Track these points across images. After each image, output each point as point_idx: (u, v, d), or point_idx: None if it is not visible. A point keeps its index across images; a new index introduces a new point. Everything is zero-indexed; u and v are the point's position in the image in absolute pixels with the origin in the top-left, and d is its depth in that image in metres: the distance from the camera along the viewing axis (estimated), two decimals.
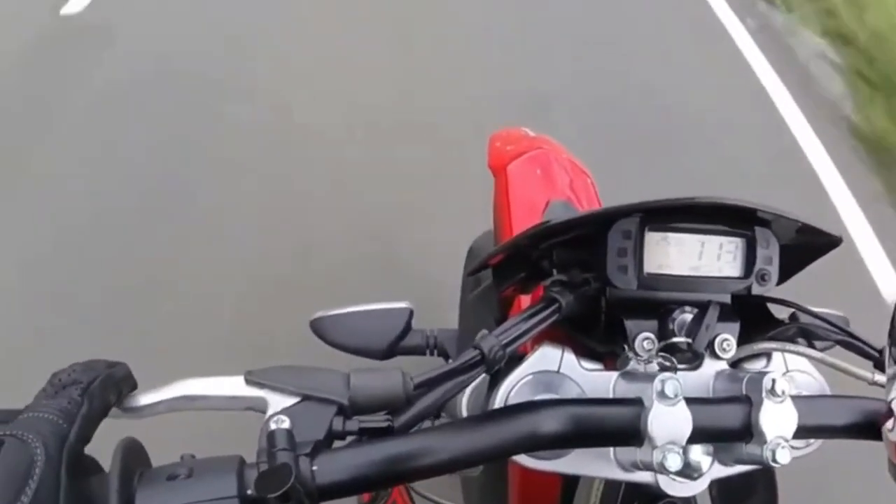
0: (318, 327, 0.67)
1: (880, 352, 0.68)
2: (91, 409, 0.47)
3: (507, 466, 0.88)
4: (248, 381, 0.53)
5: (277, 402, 0.53)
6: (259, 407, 0.53)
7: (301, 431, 0.50)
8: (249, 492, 0.46)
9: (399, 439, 0.52)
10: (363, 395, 0.54)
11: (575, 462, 0.61)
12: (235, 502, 0.45)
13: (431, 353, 0.72)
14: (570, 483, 0.74)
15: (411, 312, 0.68)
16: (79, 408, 0.46)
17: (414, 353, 0.70)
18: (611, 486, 0.67)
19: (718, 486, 0.66)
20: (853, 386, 0.64)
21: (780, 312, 0.71)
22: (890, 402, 0.56)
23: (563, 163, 1.39)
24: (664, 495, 0.62)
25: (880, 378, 0.64)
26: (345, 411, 0.53)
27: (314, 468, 0.48)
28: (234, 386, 0.54)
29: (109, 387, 0.50)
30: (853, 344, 0.68)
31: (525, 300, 0.88)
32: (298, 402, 0.53)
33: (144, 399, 0.53)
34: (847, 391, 0.63)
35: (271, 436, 0.49)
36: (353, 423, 0.53)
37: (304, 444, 0.49)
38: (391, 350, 0.67)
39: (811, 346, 0.70)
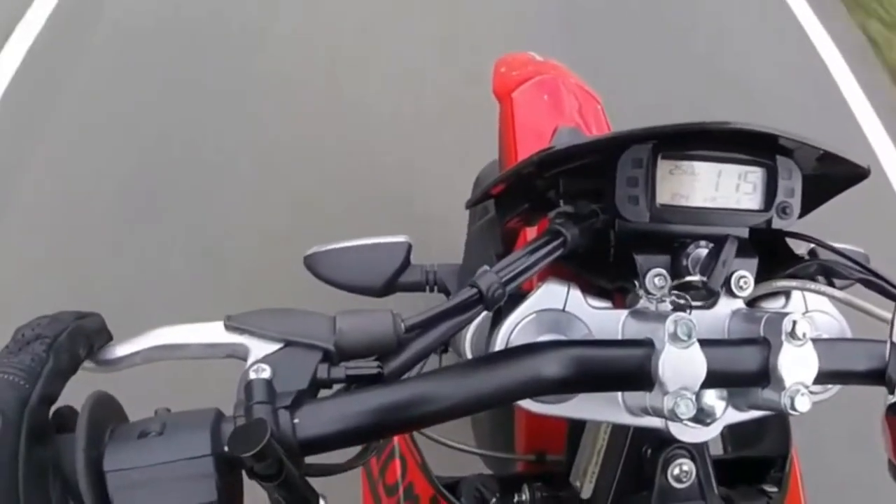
0: (311, 263, 0.63)
1: None
2: (57, 365, 0.43)
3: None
4: (228, 327, 0.50)
5: (259, 348, 0.49)
6: (239, 354, 0.49)
7: (284, 380, 0.47)
8: (226, 449, 0.42)
9: (389, 387, 0.48)
10: (350, 340, 0.50)
11: (581, 406, 0.58)
12: (209, 461, 0.42)
13: (431, 290, 0.68)
14: (578, 425, 0.71)
15: (409, 246, 0.64)
16: (43, 365, 0.42)
17: (413, 289, 0.66)
18: (618, 429, 0.65)
19: (729, 429, 0.63)
20: (873, 327, 0.61)
21: (798, 247, 0.67)
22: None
23: (572, 88, 1.34)
24: (674, 440, 0.59)
25: None
26: (330, 357, 0.49)
27: (295, 421, 0.45)
28: (213, 332, 0.50)
29: (79, 340, 0.46)
30: (875, 283, 0.64)
31: (530, 233, 0.84)
32: (281, 349, 0.49)
33: (119, 350, 0.49)
34: (866, 334, 0.60)
35: (249, 386, 0.45)
36: (340, 371, 0.49)
37: (286, 395, 0.46)
38: (388, 286, 0.64)
39: (830, 284, 0.66)
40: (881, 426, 0.55)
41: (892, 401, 0.54)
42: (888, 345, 0.56)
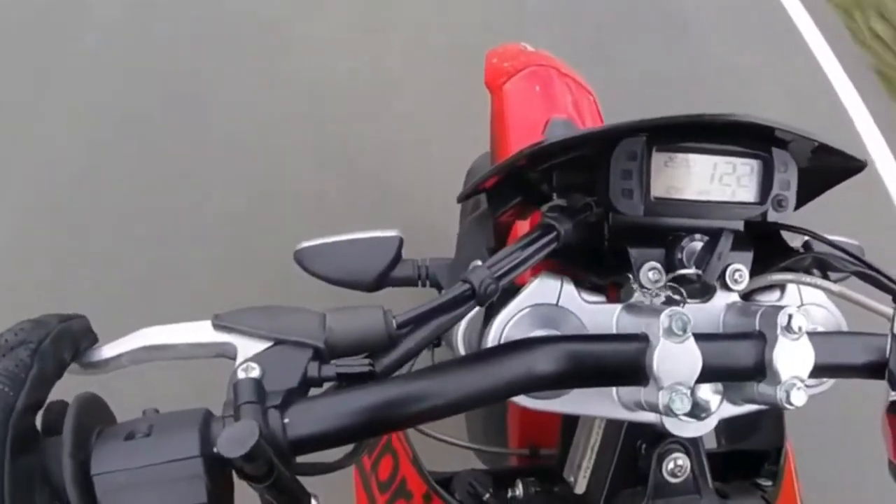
0: (301, 258, 0.62)
1: None
2: (42, 371, 0.42)
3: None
4: (216, 326, 0.49)
5: (247, 347, 0.48)
6: (228, 353, 0.48)
7: (273, 379, 0.46)
8: (215, 450, 0.41)
9: (380, 385, 0.47)
10: (341, 337, 0.49)
11: (575, 402, 0.57)
12: (198, 462, 0.41)
13: (423, 285, 0.67)
14: (571, 420, 0.71)
15: (401, 241, 0.63)
16: (27, 370, 0.41)
17: (405, 284, 0.66)
18: (613, 424, 0.64)
19: (723, 423, 0.63)
20: (868, 319, 0.60)
21: (793, 240, 0.67)
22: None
23: (564, 79, 1.33)
24: (669, 435, 0.58)
25: None
26: (321, 355, 0.49)
27: (285, 421, 0.44)
28: (201, 332, 0.49)
29: (64, 343, 0.45)
30: (870, 276, 0.64)
31: (522, 227, 0.84)
32: (270, 347, 0.48)
33: (105, 352, 0.49)
34: (862, 326, 0.60)
35: (238, 386, 0.44)
36: (331, 369, 0.49)
37: (276, 394, 0.45)
38: (380, 281, 0.63)
39: (825, 276, 0.65)
40: (881, 425, 0.54)
41: (893, 399, 0.53)
42: (888, 339, 0.55)
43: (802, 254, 0.66)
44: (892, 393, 0.54)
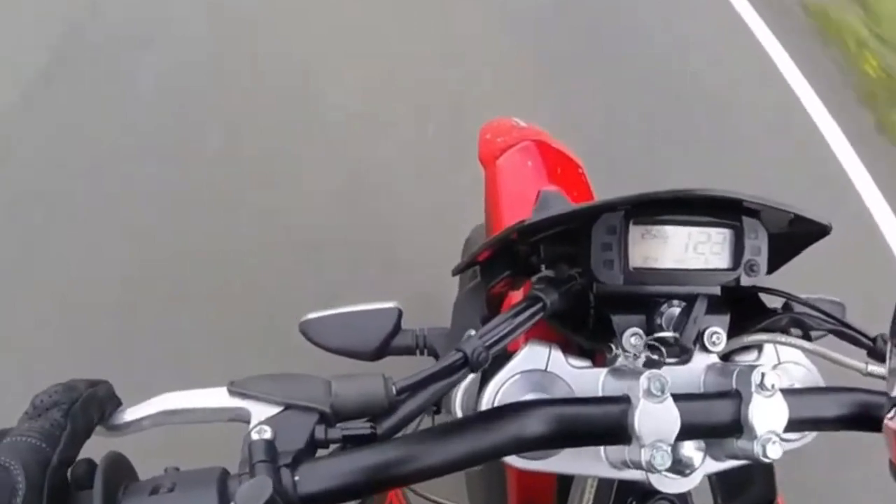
0: (307, 330, 0.66)
1: (874, 340, 0.67)
2: (74, 430, 0.46)
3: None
4: (231, 392, 0.53)
5: (260, 411, 0.52)
6: (242, 417, 0.52)
7: (284, 441, 0.50)
8: None
9: (382, 446, 0.51)
10: (345, 402, 0.53)
11: (566, 461, 0.60)
12: None
13: (422, 353, 0.71)
14: (566, 479, 0.73)
15: (400, 312, 0.67)
16: (62, 430, 0.46)
17: (404, 353, 0.69)
18: (605, 483, 0.67)
19: (717, 479, 0.65)
20: (846, 376, 0.64)
21: (773, 301, 0.70)
22: (894, 397, 0.55)
23: (554, 153, 1.38)
24: (657, 492, 0.61)
25: (874, 368, 0.64)
26: (327, 419, 0.53)
27: (296, 478, 0.48)
28: (217, 397, 0.53)
29: (92, 406, 0.49)
30: (847, 333, 0.68)
31: (517, 296, 0.87)
32: (281, 411, 0.52)
33: (128, 416, 0.53)
34: (841, 381, 0.63)
35: (252, 447, 0.48)
36: (336, 431, 0.53)
37: (286, 454, 0.49)
38: (381, 351, 0.66)
39: (805, 335, 0.69)
40: (882, 427, 0.57)
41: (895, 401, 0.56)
42: (888, 345, 0.58)
43: (780, 314, 0.69)
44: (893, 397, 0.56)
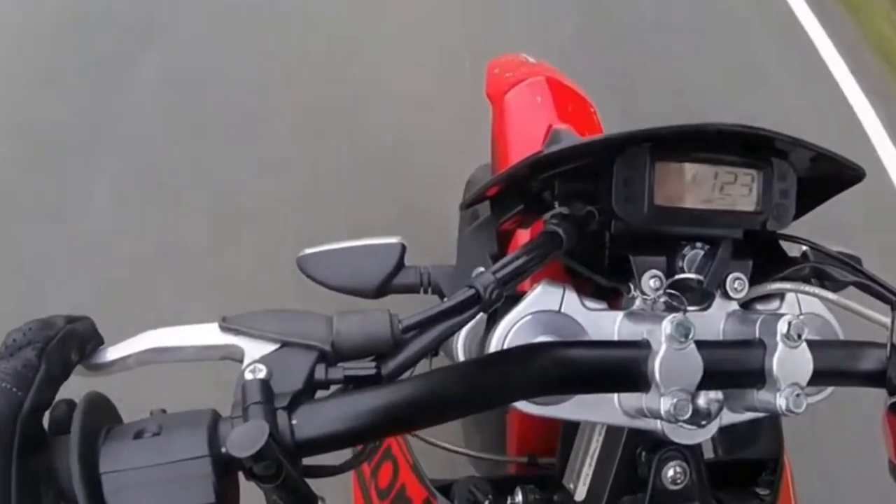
0: (304, 265, 0.62)
1: None
2: (49, 372, 0.42)
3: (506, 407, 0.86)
4: (223, 328, 0.49)
5: (254, 349, 0.48)
6: (235, 355, 0.49)
7: (280, 381, 0.46)
8: (223, 450, 0.42)
9: (386, 388, 0.48)
10: (347, 340, 0.50)
11: (576, 408, 0.58)
12: (206, 462, 0.41)
13: (426, 292, 0.67)
14: (571, 427, 0.71)
15: (403, 248, 0.63)
16: (35, 371, 0.42)
17: (407, 291, 0.66)
18: (613, 431, 0.65)
19: (721, 432, 0.63)
20: (867, 329, 0.61)
21: (792, 250, 0.67)
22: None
23: (565, 90, 1.34)
24: (669, 442, 0.59)
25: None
26: (327, 358, 0.49)
27: (293, 422, 0.44)
28: (208, 334, 0.49)
29: (70, 345, 0.45)
30: (869, 286, 0.64)
31: (525, 235, 0.84)
32: (277, 349, 0.48)
33: (111, 354, 0.49)
34: (860, 336, 0.60)
35: (246, 387, 0.45)
36: (337, 371, 0.49)
37: (283, 396, 0.45)
38: (383, 288, 0.63)
39: (824, 286, 0.66)
40: (881, 426, 0.55)
41: (893, 401, 0.54)
42: (888, 346, 0.56)
43: (801, 263, 0.66)
44: (890, 397, 0.54)
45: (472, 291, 0.53)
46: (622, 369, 0.51)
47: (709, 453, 0.84)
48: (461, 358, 0.62)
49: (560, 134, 1.07)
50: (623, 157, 0.58)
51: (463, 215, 1.49)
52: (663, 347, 0.50)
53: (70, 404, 0.43)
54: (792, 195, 0.62)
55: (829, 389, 0.64)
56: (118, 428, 0.43)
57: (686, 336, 0.50)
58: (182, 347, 0.49)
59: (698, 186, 0.59)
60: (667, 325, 0.50)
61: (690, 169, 0.59)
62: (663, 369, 0.50)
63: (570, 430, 0.71)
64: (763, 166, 0.60)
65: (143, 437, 0.42)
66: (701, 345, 0.51)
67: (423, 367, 0.55)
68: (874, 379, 0.58)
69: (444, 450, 0.87)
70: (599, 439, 0.66)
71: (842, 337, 0.66)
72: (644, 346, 0.52)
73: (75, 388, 0.45)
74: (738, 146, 0.60)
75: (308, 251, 0.62)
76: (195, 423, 0.43)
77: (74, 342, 0.46)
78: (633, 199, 0.58)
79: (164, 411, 0.45)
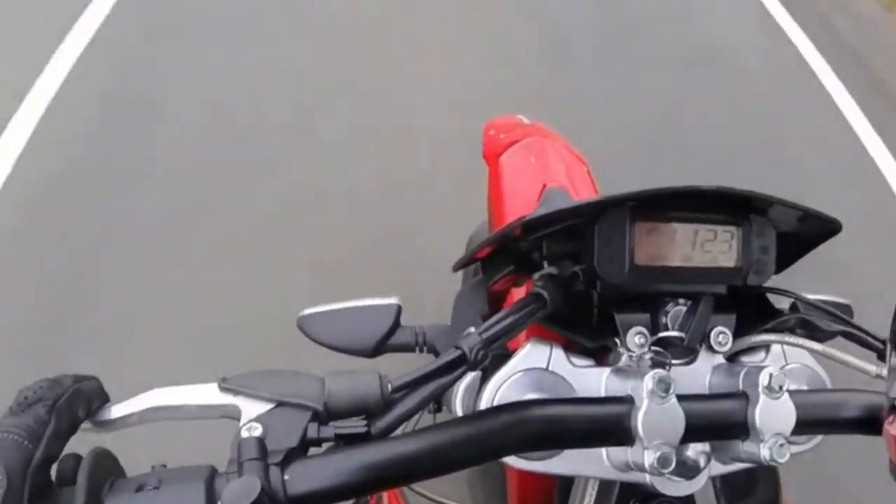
0: (304, 325, 0.64)
1: (884, 343, 0.65)
2: (58, 427, 0.45)
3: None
4: (222, 388, 0.51)
5: (251, 408, 0.51)
6: (233, 414, 0.51)
7: (275, 439, 0.48)
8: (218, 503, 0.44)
9: (376, 445, 0.49)
10: (339, 400, 0.52)
11: (566, 463, 0.59)
12: None
13: (421, 351, 0.69)
14: (567, 482, 0.72)
15: (399, 309, 0.65)
16: (45, 426, 0.45)
17: (403, 350, 0.67)
18: (606, 485, 0.65)
19: (721, 482, 0.64)
20: (857, 378, 0.62)
21: (780, 301, 0.69)
22: (892, 398, 0.53)
23: (559, 150, 1.37)
24: (660, 495, 0.60)
25: (885, 371, 0.62)
26: (320, 417, 0.51)
27: (286, 478, 0.46)
28: (207, 394, 0.52)
29: (78, 402, 0.48)
30: (856, 335, 0.66)
31: (519, 293, 0.86)
32: (272, 409, 0.51)
33: (115, 412, 0.51)
34: (850, 384, 0.61)
35: (241, 445, 0.47)
36: (329, 430, 0.51)
37: (277, 453, 0.47)
38: (379, 348, 0.65)
39: (813, 337, 0.67)
40: (882, 427, 0.56)
41: (894, 401, 0.54)
42: (888, 344, 0.57)
43: (787, 315, 0.68)
44: (892, 397, 0.55)
45: (458, 352, 0.55)
46: (607, 425, 0.53)
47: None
48: (459, 412, 0.63)
49: (553, 194, 1.10)
50: (604, 219, 0.60)
51: (465, 274, 1.50)
52: (645, 403, 0.52)
53: (77, 458, 0.45)
54: (772, 250, 0.63)
55: (818, 438, 0.65)
56: (121, 481, 0.45)
57: (667, 391, 0.52)
58: (183, 406, 0.51)
59: (678, 245, 0.61)
60: (648, 380, 0.52)
61: (670, 228, 0.61)
62: (646, 424, 0.51)
63: (565, 485, 0.72)
64: (742, 223, 0.62)
65: (143, 490, 0.44)
66: (683, 399, 0.52)
67: (427, 420, 0.57)
68: (861, 426, 0.59)
69: None
70: (593, 493, 0.67)
71: (829, 385, 0.67)
72: (627, 401, 0.53)
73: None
74: (717, 205, 0.62)
75: (307, 311, 0.64)
76: (193, 477, 0.45)
77: (82, 400, 0.49)
78: (614, 259, 0.60)
79: (164, 466, 0.47)
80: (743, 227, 0.62)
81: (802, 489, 0.84)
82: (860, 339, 0.66)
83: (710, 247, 0.62)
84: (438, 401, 0.60)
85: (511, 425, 0.51)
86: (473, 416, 0.55)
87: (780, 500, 0.80)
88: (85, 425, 0.50)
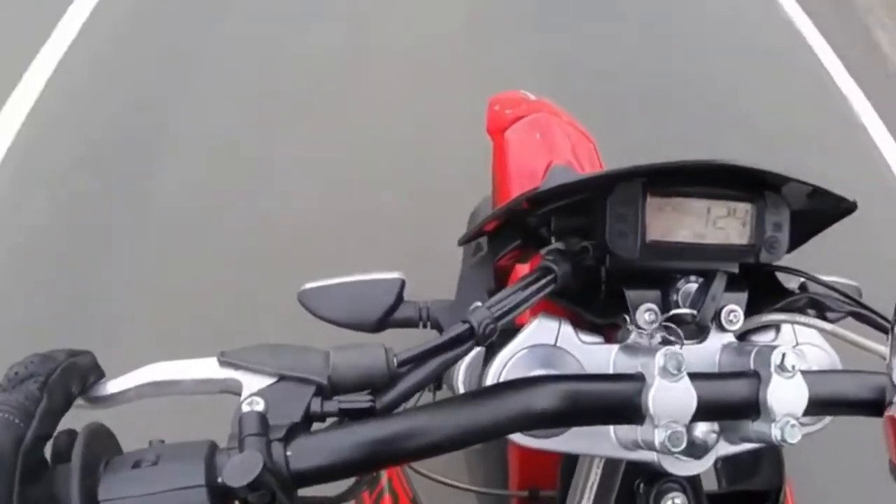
0: (305, 300, 0.63)
1: (891, 323, 0.64)
2: (51, 404, 0.44)
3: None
4: (222, 362, 0.50)
5: (252, 383, 0.49)
6: (233, 389, 0.50)
7: (277, 414, 0.47)
8: (219, 480, 0.42)
9: (381, 421, 0.48)
10: (343, 374, 0.50)
11: (573, 440, 0.58)
12: (202, 491, 0.42)
13: (425, 326, 0.68)
14: (570, 460, 0.71)
15: (403, 283, 0.64)
16: (37, 403, 0.43)
17: (406, 325, 0.67)
18: (611, 463, 0.65)
19: (723, 462, 0.63)
20: (866, 360, 0.61)
21: (790, 282, 0.68)
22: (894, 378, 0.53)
23: (564, 126, 1.35)
24: (667, 474, 0.59)
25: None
26: (323, 391, 0.50)
27: (288, 453, 0.45)
28: (206, 368, 0.50)
29: (72, 377, 0.47)
30: (866, 316, 0.65)
31: (523, 269, 0.85)
32: (274, 383, 0.49)
33: (111, 387, 0.50)
34: (859, 366, 0.60)
35: (242, 419, 0.45)
36: (333, 404, 0.49)
37: (279, 428, 0.46)
38: (382, 323, 0.64)
39: (822, 317, 0.66)
40: (882, 425, 0.55)
41: (893, 400, 0.54)
42: (888, 342, 0.56)
43: (798, 294, 0.67)
44: (891, 396, 0.54)
45: (466, 326, 0.53)
46: (616, 402, 0.52)
47: (712, 485, 0.84)
48: (461, 389, 0.62)
49: (558, 170, 1.08)
50: (616, 193, 0.58)
51: (465, 250, 1.49)
52: (656, 380, 0.51)
53: (71, 434, 0.44)
54: (785, 228, 0.62)
55: (827, 419, 0.64)
56: (117, 458, 0.44)
57: (678, 369, 0.51)
58: (181, 381, 0.50)
59: (691, 221, 0.60)
60: (659, 357, 0.51)
61: (683, 203, 0.60)
62: (656, 402, 0.50)
63: (569, 463, 0.71)
64: (756, 200, 0.61)
65: (141, 467, 0.43)
66: (694, 377, 0.52)
67: (426, 399, 0.55)
68: (872, 407, 0.58)
69: (443, 484, 0.87)
70: (598, 472, 0.66)
71: (840, 366, 0.66)
72: (638, 378, 0.52)
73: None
74: (730, 180, 0.61)
75: (308, 286, 0.63)
76: (192, 453, 0.44)
77: (76, 375, 0.47)
78: (626, 234, 0.58)
79: (162, 441, 0.46)
80: (757, 204, 0.61)
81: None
82: (870, 319, 0.65)
83: (722, 223, 0.61)
84: (439, 378, 0.59)
85: (521, 401, 0.50)
86: (482, 391, 0.54)
87: (784, 482, 0.79)
88: (79, 402, 0.48)
